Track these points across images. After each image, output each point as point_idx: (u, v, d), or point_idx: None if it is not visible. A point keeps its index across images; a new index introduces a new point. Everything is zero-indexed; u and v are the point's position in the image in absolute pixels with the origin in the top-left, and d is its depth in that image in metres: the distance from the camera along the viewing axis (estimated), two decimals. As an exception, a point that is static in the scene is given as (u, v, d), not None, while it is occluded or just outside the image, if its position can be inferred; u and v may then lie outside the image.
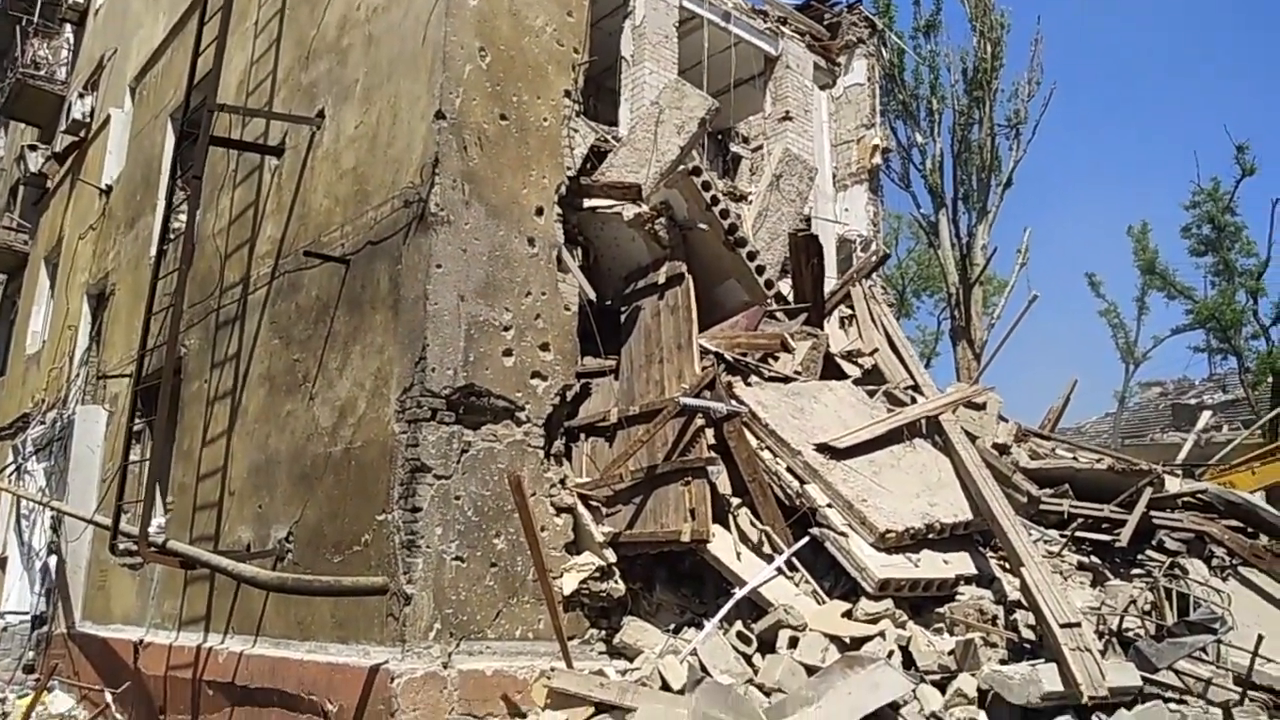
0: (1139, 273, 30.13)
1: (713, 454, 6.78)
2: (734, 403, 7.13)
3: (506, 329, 6.98)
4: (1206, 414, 18.64)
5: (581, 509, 7.03)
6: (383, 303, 7.09)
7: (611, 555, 6.82)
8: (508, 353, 6.95)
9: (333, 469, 7.20)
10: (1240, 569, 8.50)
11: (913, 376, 8.85)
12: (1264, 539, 9.17)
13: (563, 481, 7.10)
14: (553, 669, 6.17)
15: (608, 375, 7.76)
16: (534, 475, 6.86)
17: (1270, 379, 25.50)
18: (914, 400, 8.36)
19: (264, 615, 7.48)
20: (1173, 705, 5.91)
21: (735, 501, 6.92)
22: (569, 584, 6.68)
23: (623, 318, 8.03)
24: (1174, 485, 9.05)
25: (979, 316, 22.74)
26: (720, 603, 6.43)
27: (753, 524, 6.87)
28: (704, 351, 7.54)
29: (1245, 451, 20.33)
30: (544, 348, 7.16)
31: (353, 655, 6.40)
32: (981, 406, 8.89)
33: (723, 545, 6.63)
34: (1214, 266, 27.63)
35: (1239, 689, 6.44)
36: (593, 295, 7.72)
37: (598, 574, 6.76)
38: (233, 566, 6.69)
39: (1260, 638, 6.56)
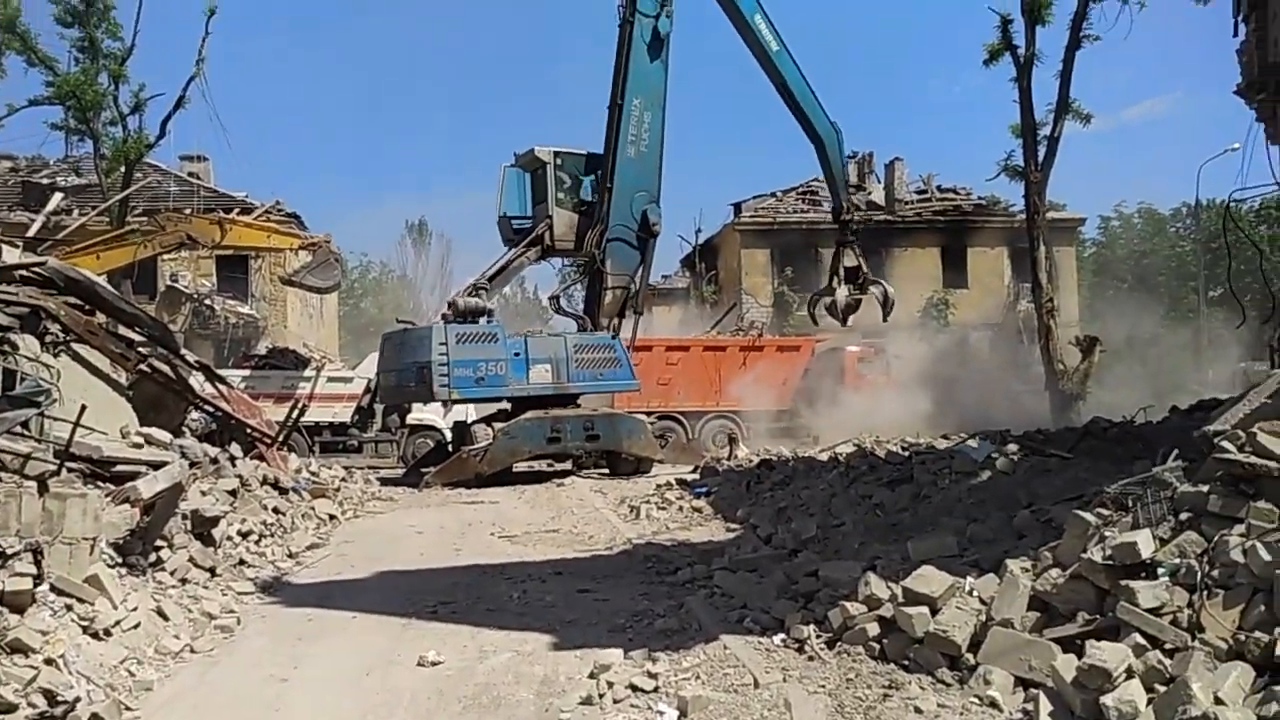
0: (-1, 31, 27.12)
1: None
2: None
3: None
4: (58, 196, 18.16)
5: None
6: None
7: None
8: None
9: None
10: (74, 345, 8.51)
11: None
12: (101, 317, 9.35)
13: None
14: None
15: None
16: None
17: (123, 168, 26.11)
18: None
19: None
20: None
21: None
22: None
23: None
24: (13, 256, 8.45)
25: None
26: None
27: None
28: None
29: (92, 235, 20.57)
30: None
31: None
32: None
33: None
34: (80, 42, 26.53)
35: (58, 461, 6.42)
36: None
37: None
38: None
39: (83, 408, 6.64)
